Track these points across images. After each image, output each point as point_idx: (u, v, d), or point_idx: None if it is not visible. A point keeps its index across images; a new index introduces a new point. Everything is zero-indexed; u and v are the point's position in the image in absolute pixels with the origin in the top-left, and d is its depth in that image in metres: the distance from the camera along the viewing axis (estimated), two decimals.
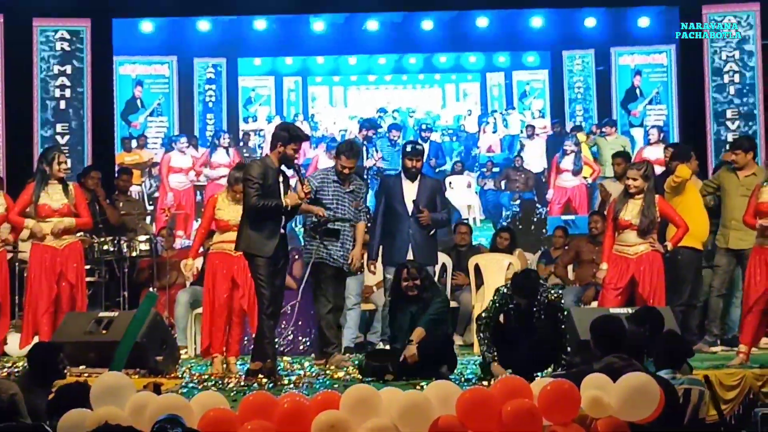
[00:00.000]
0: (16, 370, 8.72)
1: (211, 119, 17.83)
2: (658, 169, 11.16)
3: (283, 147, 8.57)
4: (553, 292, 8.66)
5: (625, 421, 6.33)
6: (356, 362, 9.19)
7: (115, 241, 11.32)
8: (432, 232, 10.14)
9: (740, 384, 8.22)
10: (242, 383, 8.32)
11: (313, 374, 8.88)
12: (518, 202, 16.96)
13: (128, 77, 17.25)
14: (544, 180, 17.10)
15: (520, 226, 15.90)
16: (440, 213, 10.11)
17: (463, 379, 8.55)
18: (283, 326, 10.32)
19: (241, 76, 18.18)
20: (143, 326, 8.59)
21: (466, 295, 11.47)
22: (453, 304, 11.35)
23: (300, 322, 10.69)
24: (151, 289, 11.48)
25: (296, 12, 16.15)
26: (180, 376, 8.78)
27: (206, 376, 8.73)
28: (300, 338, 10.76)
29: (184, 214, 15.69)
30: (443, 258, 11.31)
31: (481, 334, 8.63)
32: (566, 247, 12.33)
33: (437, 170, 16.90)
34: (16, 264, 11.21)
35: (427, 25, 17.08)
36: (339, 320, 9.98)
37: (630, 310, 8.73)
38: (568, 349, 8.45)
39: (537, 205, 16.76)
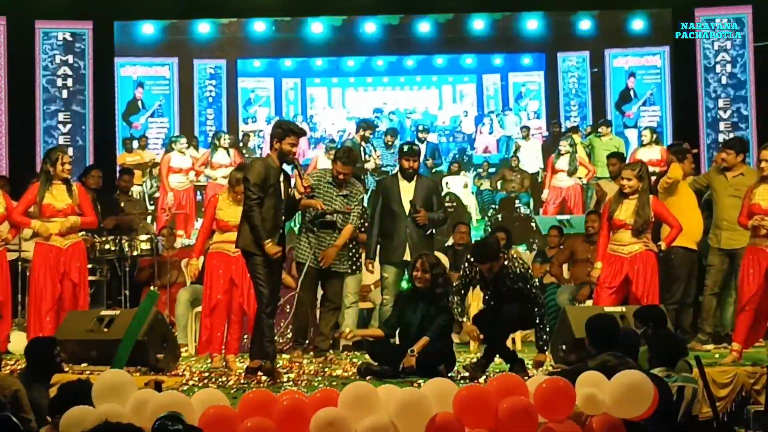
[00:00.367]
0: (19, 367, 8.72)
1: (211, 120, 17.84)
2: (653, 170, 11.18)
3: (279, 143, 8.56)
4: (520, 263, 8.61)
5: (620, 418, 6.33)
6: (357, 357, 9.19)
7: (117, 241, 11.32)
8: (429, 232, 10.14)
9: (733, 381, 8.23)
10: (242, 381, 8.32)
11: (312, 372, 8.87)
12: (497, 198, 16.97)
13: (129, 79, 17.25)
14: (539, 180, 17.09)
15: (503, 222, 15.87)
16: (436, 212, 10.11)
17: (459, 376, 8.54)
18: (282, 324, 10.32)
19: (241, 78, 18.19)
20: (144, 324, 8.58)
21: None
22: None
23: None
24: (152, 287, 11.48)
25: (295, 14, 16.21)
26: (181, 373, 8.77)
27: (206, 374, 8.72)
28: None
29: (183, 214, 15.68)
30: (441, 257, 11.29)
31: (453, 298, 8.73)
32: (561, 247, 12.36)
33: (434, 170, 16.90)
34: (19, 263, 11.22)
35: (424, 27, 17.10)
36: (332, 318, 9.97)
37: (624, 309, 8.75)
38: (542, 314, 8.49)
39: (515, 201, 16.75)
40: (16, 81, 14.33)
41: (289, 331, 10.50)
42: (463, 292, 8.79)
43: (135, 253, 11.49)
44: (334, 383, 8.09)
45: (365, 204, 10.54)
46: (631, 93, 17.35)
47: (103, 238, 11.28)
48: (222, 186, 12.65)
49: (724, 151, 10.11)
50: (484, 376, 8.39)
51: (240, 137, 17.72)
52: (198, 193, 16.74)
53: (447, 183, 17.04)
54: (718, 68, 14.48)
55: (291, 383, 8.16)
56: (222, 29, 17.23)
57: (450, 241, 12.85)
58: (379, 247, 10.08)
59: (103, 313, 9.33)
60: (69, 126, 14.48)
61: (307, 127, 18.12)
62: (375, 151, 16.24)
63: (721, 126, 14.33)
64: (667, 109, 16.76)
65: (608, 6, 16.33)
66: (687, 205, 10.02)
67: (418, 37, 17.33)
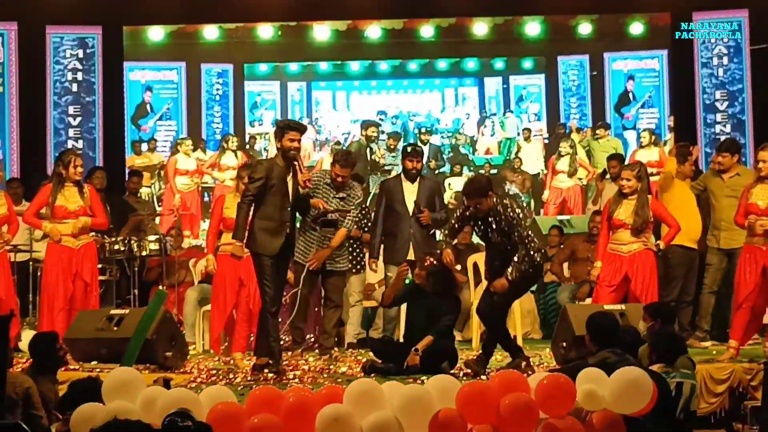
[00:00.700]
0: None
1: (219, 123, 17.85)
2: (651, 171, 11.18)
3: (280, 141, 8.60)
4: (512, 208, 8.47)
5: (619, 414, 6.34)
6: (362, 355, 9.20)
7: (126, 241, 11.33)
8: (431, 232, 10.16)
9: (730, 378, 8.23)
10: (249, 378, 8.32)
11: (318, 369, 8.88)
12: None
13: (138, 82, 17.27)
14: (540, 181, 17.10)
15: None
16: (439, 213, 10.12)
17: (462, 373, 8.54)
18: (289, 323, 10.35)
19: (248, 81, 18.21)
20: (153, 323, 8.59)
21: (465, 293, 11.44)
22: None
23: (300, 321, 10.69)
24: (160, 287, 11.47)
25: (300, 19, 16.20)
26: (189, 371, 8.78)
27: (214, 371, 8.73)
28: (306, 333, 10.75)
29: (189, 215, 15.66)
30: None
31: (445, 231, 8.81)
32: (561, 246, 12.36)
33: (436, 172, 16.91)
34: (31, 263, 11.23)
35: (427, 31, 17.09)
36: (334, 316, 9.97)
37: (623, 307, 8.75)
38: (523, 256, 8.41)
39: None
40: (28, 84, 14.34)
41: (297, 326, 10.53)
42: (456, 226, 8.73)
43: (144, 253, 11.48)
44: (339, 380, 8.09)
45: (367, 205, 10.55)
46: (630, 95, 17.36)
47: (113, 239, 11.30)
48: (229, 188, 12.66)
49: (719, 155, 10.11)
50: (487, 372, 8.39)
51: (247, 140, 17.73)
52: (205, 194, 16.76)
53: (449, 184, 17.04)
54: (715, 71, 14.47)
55: (297, 380, 8.16)
56: (229, 34, 17.23)
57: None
58: (382, 246, 10.09)
59: (113, 312, 9.34)
60: (79, 129, 14.48)
61: (314, 130, 18.14)
62: (380, 149, 16.25)
63: (718, 127, 14.32)
64: (665, 111, 16.76)
65: (607, 10, 16.31)
66: (685, 205, 10.01)
67: (421, 42, 17.32)
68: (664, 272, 9.75)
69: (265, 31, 16.90)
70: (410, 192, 10.02)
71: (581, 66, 17.84)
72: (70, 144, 14.19)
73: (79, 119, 14.45)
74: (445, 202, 11.42)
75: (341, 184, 9.73)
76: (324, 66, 18.72)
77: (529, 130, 17.90)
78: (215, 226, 9.56)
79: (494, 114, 18.85)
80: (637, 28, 16.88)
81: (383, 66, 18.72)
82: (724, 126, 14.35)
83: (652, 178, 10.46)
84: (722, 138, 13.60)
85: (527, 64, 18.71)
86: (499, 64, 18.80)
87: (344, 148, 16.75)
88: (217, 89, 17.91)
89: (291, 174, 8.59)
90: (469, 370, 8.47)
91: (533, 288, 12.33)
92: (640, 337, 7.43)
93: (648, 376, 6.39)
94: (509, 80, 18.86)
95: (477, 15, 16.40)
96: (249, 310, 9.37)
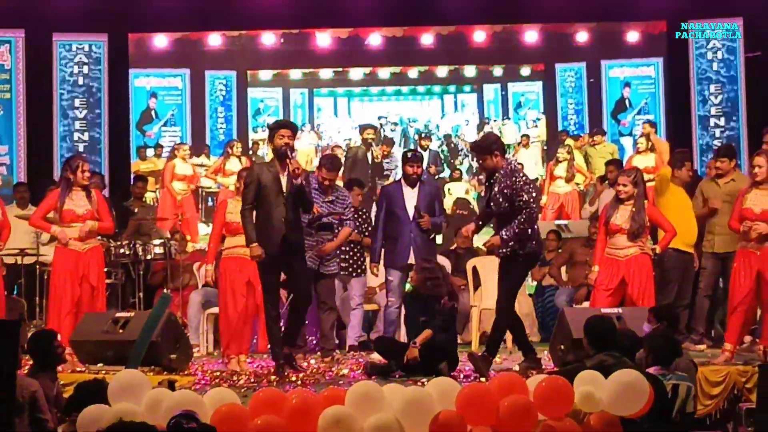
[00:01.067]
0: None
1: (222, 129, 17.85)
2: (647, 177, 11.18)
3: (272, 141, 8.64)
4: (518, 175, 8.55)
5: (616, 416, 6.33)
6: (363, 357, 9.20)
7: (131, 245, 11.33)
8: (431, 236, 10.16)
9: (725, 380, 8.23)
10: (252, 380, 8.32)
11: (320, 371, 8.87)
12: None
13: (143, 89, 17.25)
14: (538, 186, 17.09)
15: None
16: (439, 217, 10.12)
17: (462, 375, 8.54)
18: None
19: (250, 88, 18.19)
20: (158, 326, 8.57)
21: (465, 296, 11.48)
22: None
23: (306, 322, 10.67)
24: (165, 290, 11.47)
25: (302, 27, 16.20)
26: (193, 373, 8.77)
27: (218, 374, 8.72)
28: (306, 336, 10.75)
29: (186, 220, 15.58)
30: (443, 260, 11.30)
31: None
32: (560, 250, 12.36)
33: (436, 177, 16.90)
34: (37, 266, 11.23)
35: (427, 39, 17.09)
36: (329, 319, 9.96)
37: (620, 310, 8.74)
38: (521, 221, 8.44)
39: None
40: (34, 90, 14.35)
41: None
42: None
43: (148, 257, 11.49)
44: (341, 382, 8.09)
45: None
46: (627, 102, 17.34)
47: (118, 243, 11.30)
48: (233, 192, 12.66)
49: (718, 160, 10.13)
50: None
51: (250, 145, 17.73)
52: (209, 199, 16.76)
53: (449, 189, 17.03)
54: (709, 79, 14.47)
55: (299, 382, 8.16)
56: (232, 42, 17.23)
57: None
58: (383, 250, 10.09)
59: (118, 314, 9.34)
60: (85, 134, 14.49)
61: (316, 136, 18.15)
62: (378, 147, 16.32)
63: (714, 133, 14.32)
64: (661, 117, 16.75)
65: (604, 19, 16.32)
66: (680, 209, 10.02)
67: (420, 49, 17.32)
68: (660, 276, 9.75)
69: (268, 38, 16.90)
70: (410, 197, 10.02)
71: (578, 73, 17.84)
72: (77, 149, 14.20)
73: (85, 125, 14.45)
74: (445, 207, 11.44)
75: (328, 188, 9.77)
76: (325, 73, 18.70)
77: (527, 136, 17.89)
78: (218, 230, 9.49)
79: (494, 120, 18.83)
80: (633, 36, 16.88)
81: (384, 73, 18.70)
82: (719, 132, 14.35)
83: (648, 184, 10.46)
84: (716, 143, 13.64)
85: (525, 71, 18.71)
86: (497, 71, 18.79)
87: (346, 153, 16.75)
88: (221, 96, 17.90)
89: (285, 172, 8.58)
90: (471, 366, 8.48)
91: (531, 291, 12.38)
92: (637, 340, 7.42)
93: (645, 379, 6.39)
94: (507, 87, 18.85)
95: (476, 23, 16.41)
96: (253, 313, 9.32)
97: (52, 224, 9.59)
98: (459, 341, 11.36)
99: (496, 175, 8.57)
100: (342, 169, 14.66)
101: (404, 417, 6.13)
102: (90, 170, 9.81)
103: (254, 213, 8.57)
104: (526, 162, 17.40)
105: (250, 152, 17.48)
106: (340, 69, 18.41)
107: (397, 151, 16.71)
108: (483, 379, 8.03)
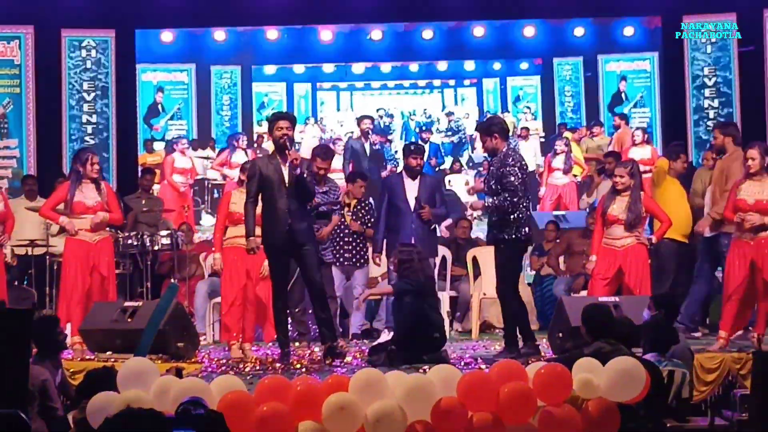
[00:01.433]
0: None
1: (227, 123, 17.85)
2: (644, 169, 11.17)
3: (271, 133, 8.64)
4: (515, 157, 8.62)
5: (614, 402, 6.33)
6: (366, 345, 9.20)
7: (139, 236, 11.33)
8: (432, 227, 10.15)
9: (720, 367, 8.23)
10: (258, 367, 8.32)
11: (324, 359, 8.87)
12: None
13: (150, 84, 17.27)
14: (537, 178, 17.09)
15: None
16: (439, 208, 10.11)
17: (462, 363, 8.54)
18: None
19: (255, 83, 18.21)
20: (166, 315, 8.57)
21: (465, 286, 11.49)
22: (452, 293, 11.39)
23: (310, 311, 10.69)
24: (172, 280, 11.47)
25: (306, 23, 16.20)
26: (200, 360, 8.78)
27: (224, 361, 8.73)
28: (311, 325, 10.76)
29: (185, 212, 15.55)
30: (443, 251, 11.32)
31: None
32: (558, 240, 12.35)
33: (437, 169, 16.90)
34: (47, 257, 11.23)
35: (428, 34, 17.10)
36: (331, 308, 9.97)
37: (617, 299, 8.74)
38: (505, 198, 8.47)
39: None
40: (44, 85, 14.35)
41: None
42: None
43: (156, 247, 11.48)
44: (345, 370, 8.09)
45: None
46: (623, 95, 17.35)
47: (126, 234, 11.31)
48: (238, 184, 12.65)
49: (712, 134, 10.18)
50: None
51: (255, 139, 17.73)
52: (215, 191, 16.76)
53: (449, 181, 17.03)
54: (704, 72, 14.47)
55: (304, 370, 8.16)
56: (237, 37, 17.23)
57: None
58: (385, 241, 10.08)
59: (127, 304, 9.34)
60: (93, 128, 14.49)
61: (319, 129, 18.15)
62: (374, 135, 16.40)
63: (708, 125, 14.31)
64: (657, 110, 16.75)
65: (601, 14, 16.31)
66: (675, 199, 10.02)
67: (421, 44, 17.33)
68: (656, 265, 9.75)
69: (272, 34, 16.89)
70: (411, 189, 10.01)
71: (576, 67, 17.82)
72: (85, 142, 14.20)
73: (93, 118, 14.45)
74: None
75: (323, 177, 9.81)
76: (328, 68, 18.69)
77: (527, 128, 17.88)
78: (222, 221, 9.49)
79: (490, 111, 18.82)
80: (629, 31, 16.87)
81: (385, 68, 18.69)
82: (713, 124, 14.34)
83: (644, 176, 10.45)
84: (710, 136, 13.62)
85: (524, 65, 18.70)
86: (496, 65, 18.78)
87: (349, 144, 16.77)
88: (226, 90, 17.89)
89: (286, 163, 8.56)
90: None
91: (530, 281, 12.38)
92: (634, 328, 7.42)
93: (642, 366, 6.39)
94: (506, 81, 18.85)
95: (476, 18, 16.41)
96: (256, 301, 9.33)
97: (60, 215, 9.59)
98: (460, 329, 11.43)
99: (493, 158, 8.68)
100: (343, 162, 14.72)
101: (406, 404, 6.13)
102: (99, 163, 9.80)
103: (256, 206, 8.57)
104: (525, 154, 17.41)
105: (255, 145, 17.48)
106: (343, 64, 18.41)
107: (399, 144, 16.71)
108: (483, 367, 8.03)
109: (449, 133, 18.62)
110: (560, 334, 8.67)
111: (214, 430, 5.12)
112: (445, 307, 10.81)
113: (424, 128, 17.69)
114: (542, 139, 18.04)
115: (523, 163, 8.78)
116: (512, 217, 8.54)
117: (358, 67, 18.60)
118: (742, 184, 8.87)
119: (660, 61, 16.17)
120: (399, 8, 15.38)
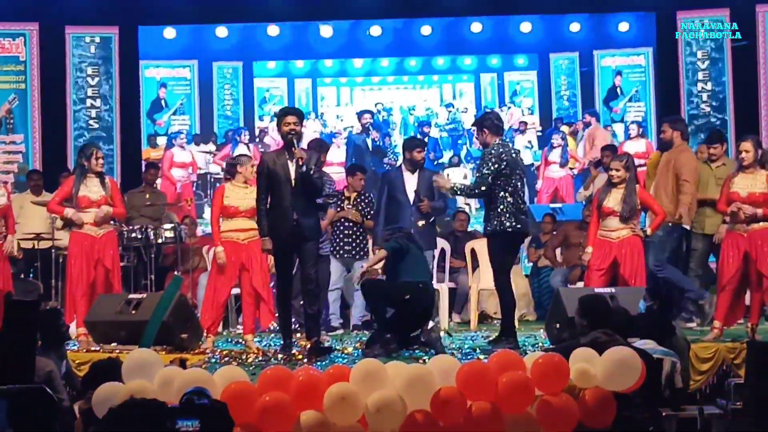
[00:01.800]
0: None
1: (229, 118, 17.84)
2: (638, 162, 11.17)
3: (280, 129, 8.60)
4: (504, 148, 8.70)
5: (610, 391, 6.34)
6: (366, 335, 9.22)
7: (143, 229, 11.33)
8: (431, 219, 10.15)
9: (714, 356, 8.24)
10: (260, 358, 8.32)
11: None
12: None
13: (153, 79, 17.23)
14: (534, 171, 17.08)
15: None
16: (438, 202, 10.11)
17: (461, 353, 8.54)
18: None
19: (256, 78, 18.17)
20: (169, 307, 8.58)
21: (463, 277, 11.50)
22: (451, 284, 11.39)
23: None
24: (176, 273, 11.48)
25: (306, 19, 16.19)
26: (203, 352, 8.77)
27: (227, 352, 8.72)
28: None
29: (184, 206, 15.53)
30: (442, 243, 11.31)
31: None
32: (554, 232, 12.36)
33: (435, 163, 16.89)
34: (53, 251, 11.23)
35: (426, 30, 17.07)
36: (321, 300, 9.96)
37: (613, 290, 8.74)
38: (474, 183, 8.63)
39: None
40: (49, 82, 14.35)
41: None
42: None
43: (160, 240, 11.48)
44: (346, 360, 8.09)
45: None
46: (618, 90, 17.32)
47: (130, 227, 11.31)
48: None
49: (711, 146, 10.13)
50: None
51: (256, 134, 17.71)
52: (218, 184, 16.73)
53: (448, 175, 17.01)
54: (698, 67, 14.47)
55: (305, 360, 8.15)
56: (238, 33, 17.20)
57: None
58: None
59: (131, 296, 9.34)
60: (97, 123, 14.48)
61: (319, 124, 18.13)
62: (374, 131, 16.37)
63: (702, 120, 14.31)
64: (652, 104, 16.74)
65: (597, 10, 16.30)
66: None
67: (420, 40, 17.30)
68: (658, 242, 9.66)
69: (273, 30, 16.87)
70: (411, 182, 10.01)
71: (572, 62, 17.81)
72: (89, 137, 14.19)
73: (97, 114, 14.45)
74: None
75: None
76: (328, 63, 18.66)
77: (526, 123, 17.88)
78: (216, 215, 9.40)
79: (488, 106, 18.79)
80: (624, 26, 16.85)
81: (384, 63, 18.66)
82: (707, 119, 14.34)
83: (639, 169, 10.44)
84: (705, 130, 13.63)
85: (521, 60, 18.66)
86: (494, 60, 18.75)
87: (350, 138, 16.79)
88: (228, 85, 17.88)
89: (293, 159, 8.48)
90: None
91: (527, 272, 12.39)
92: (630, 318, 7.42)
93: (637, 355, 6.40)
94: (504, 76, 18.82)
95: (473, 14, 16.39)
96: (255, 292, 9.26)
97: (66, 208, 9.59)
98: (459, 320, 11.45)
99: (485, 150, 8.74)
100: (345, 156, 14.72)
101: (406, 393, 6.14)
102: (103, 157, 9.80)
103: (267, 205, 8.48)
104: (522, 148, 17.42)
105: (257, 140, 17.47)
106: (343, 59, 18.39)
107: (399, 138, 16.70)
108: (482, 357, 8.03)
109: (449, 123, 18.58)
110: (557, 325, 8.67)
111: (217, 420, 5.12)
112: (444, 299, 10.84)
113: (423, 123, 17.65)
114: (539, 134, 18.02)
115: (511, 157, 8.70)
116: (497, 209, 8.52)
117: (357, 63, 18.57)
118: (734, 177, 8.87)
119: (655, 56, 16.16)
120: (398, 5, 15.38)
